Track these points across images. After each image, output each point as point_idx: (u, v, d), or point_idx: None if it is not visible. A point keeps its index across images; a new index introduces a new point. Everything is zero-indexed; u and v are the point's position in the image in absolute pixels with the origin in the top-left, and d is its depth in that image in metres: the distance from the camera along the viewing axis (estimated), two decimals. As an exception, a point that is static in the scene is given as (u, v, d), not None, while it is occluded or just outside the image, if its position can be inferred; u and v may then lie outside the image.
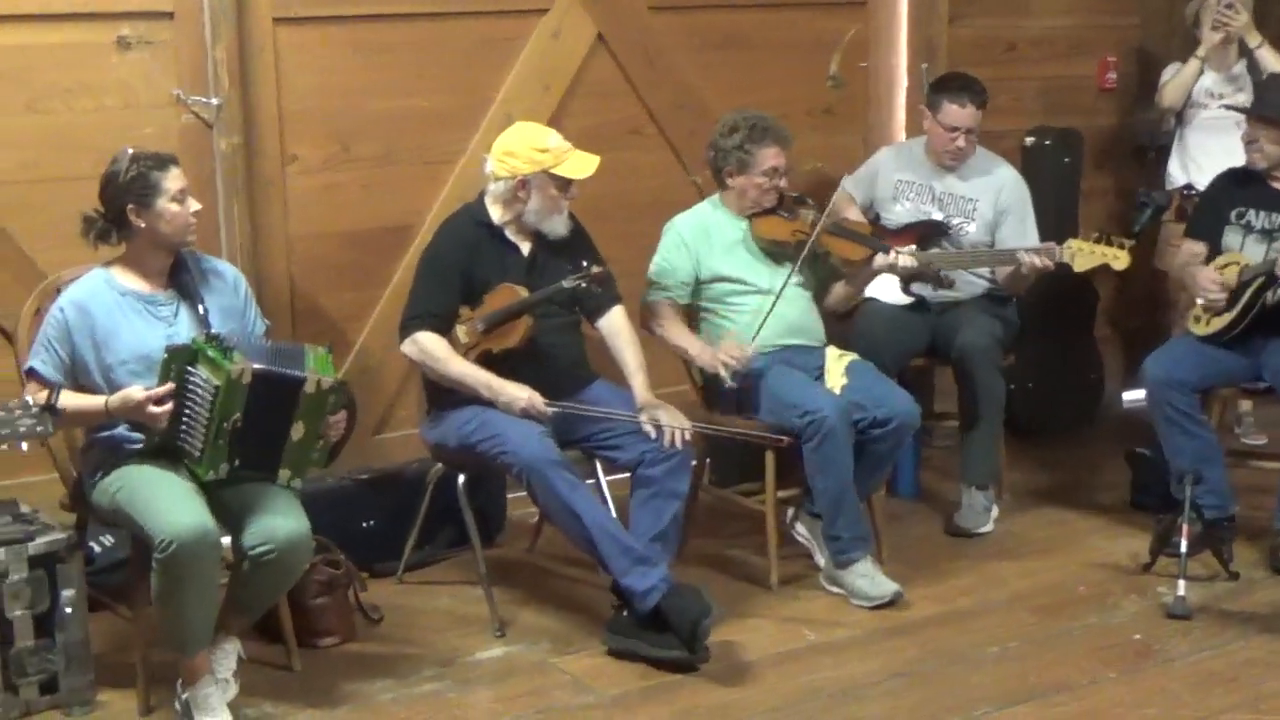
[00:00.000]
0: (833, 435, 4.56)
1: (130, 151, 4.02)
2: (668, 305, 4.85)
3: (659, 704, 4.08)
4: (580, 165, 4.48)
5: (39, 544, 4.00)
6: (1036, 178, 5.69)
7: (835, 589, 4.76)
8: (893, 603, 4.65)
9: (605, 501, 4.64)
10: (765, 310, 4.70)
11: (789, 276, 4.76)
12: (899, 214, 5.41)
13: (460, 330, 4.46)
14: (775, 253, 4.86)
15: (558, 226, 4.53)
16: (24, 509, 4.18)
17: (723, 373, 4.65)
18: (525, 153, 4.45)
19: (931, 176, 5.42)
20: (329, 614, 4.41)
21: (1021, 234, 5.33)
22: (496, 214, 4.54)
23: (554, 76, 5.39)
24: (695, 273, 4.86)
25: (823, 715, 4.03)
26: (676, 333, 4.84)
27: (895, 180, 5.44)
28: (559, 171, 4.45)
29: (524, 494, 4.81)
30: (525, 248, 4.56)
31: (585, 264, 4.49)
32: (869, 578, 4.68)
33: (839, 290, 5.02)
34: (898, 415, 4.68)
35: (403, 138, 5.15)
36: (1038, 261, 5.05)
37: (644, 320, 4.85)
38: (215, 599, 3.87)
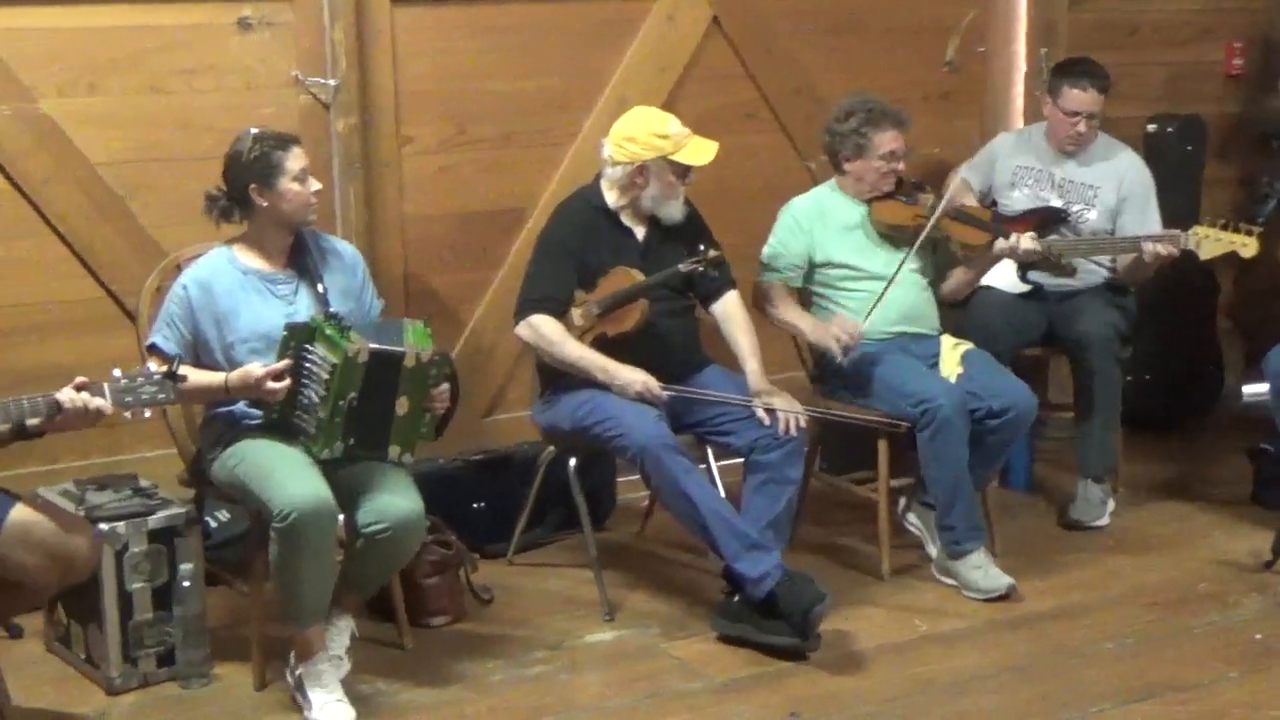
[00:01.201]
0: (948, 425, 4.51)
1: (253, 131, 4.06)
2: (780, 287, 4.81)
3: (769, 691, 4.05)
4: (699, 152, 4.45)
5: (158, 518, 4.06)
6: (1158, 166, 5.57)
7: (947, 580, 4.70)
8: (1006, 596, 4.59)
9: (717, 487, 4.61)
10: (878, 294, 4.65)
11: (904, 259, 4.71)
12: (1017, 200, 5.32)
13: (575, 314, 4.45)
14: (893, 237, 4.81)
15: (674, 212, 4.51)
16: (143, 483, 4.24)
17: (834, 348, 4.61)
18: (644, 138, 4.43)
19: (1051, 163, 5.33)
20: (441, 594, 4.44)
21: (1143, 222, 5.22)
22: (612, 198, 4.52)
23: (669, 60, 5.36)
24: (809, 255, 4.81)
25: (934, 707, 3.98)
26: (789, 312, 4.79)
27: (1014, 166, 5.36)
28: (678, 158, 4.43)
29: (634, 478, 4.83)
30: (640, 232, 4.54)
31: (701, 248, 4.46)
32: (982, 569, 4.62)
33: (957, 276, 4.95)
34: (1015, 406, 4.61)
35: (517, 120, 5.15)
36: (1161, 249, 4.95)
37: (756, 302, 4.82)
38: (331, 572, 3.89)
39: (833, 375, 4.74)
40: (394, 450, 3.98)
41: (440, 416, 4.08)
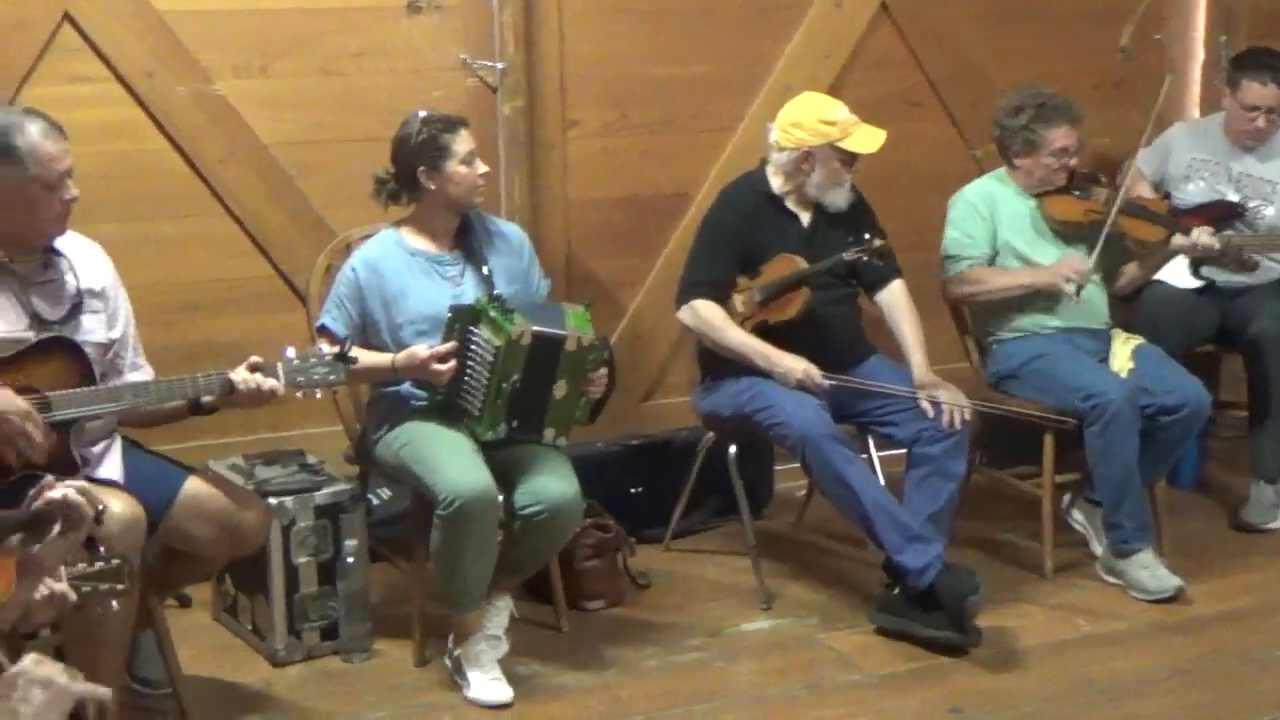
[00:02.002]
0: (1118, 420, 4.40)
1: (422, 114, 4.10)
2: (980, 268, 4.71)
3: (928, 686, 4.00)
4: (867, 140, 4.40)
5: (325, 494, 4.12)
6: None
7: (1113, 579, 4.59)
8: (1174, 598, 4.48)
9: (878, 477, 4.55)
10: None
11: (1093, 259, 4.59)
12: (1191, 193, 5.18)
13: (738, 300, 4.43)
14: (1065, 233, 4.70)
15: (839, 199, 4.46)
16: (310, 460, 4.30)
17: (1067, 288, 4.53)
18: (811, 124, 4.38)
19: (1228, 156, 5.17)
20: (598, 577, 4.45)
21: (1323, 218, 5.06)
22: (777, 184, 4.49)
23: (835, 46, 5.30)
24: (992, 242, 4.72)
25: (1096, 709, 3.90)
26: (1000, 277, 4.68)
27: (1189, 159, 5.21)
28: (845, 145, 4.38)
29: (790, 466, 4.79)
30: (805, 218, 4.50)
31: (867, 236, 4.40)
32: (1149, 570, 4.51)
33: (1130, 271, 4.83)
34: (1188, 403, 4.50)
35: (681, 104, 5.14)
36: (1346, 247, 4.79)
37: (951, 294, 4.75)
38: (492, 558, 3.92)
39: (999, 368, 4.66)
40: (549, 433, 3.99)
41: (596, 401, 4.08)
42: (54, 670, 2.03)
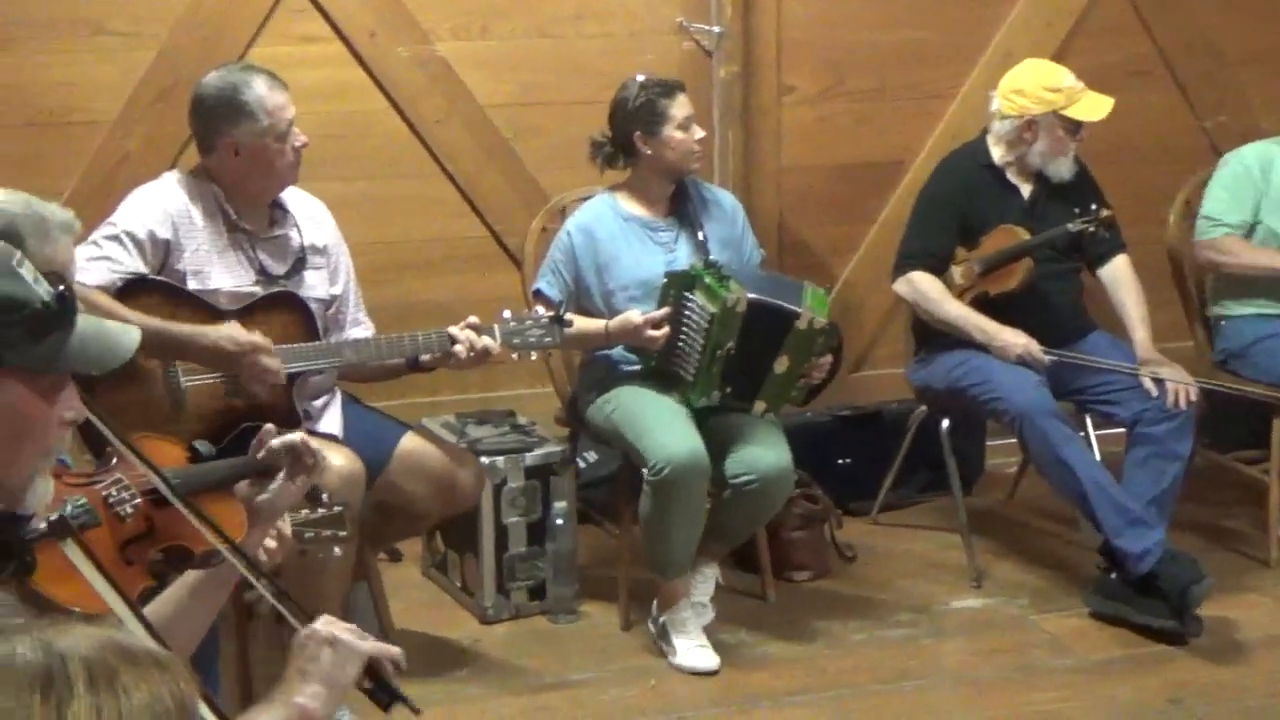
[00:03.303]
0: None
1: (639, 79, 4.08)
2: (1234, 239, 4.52)
3: (1145, 675, 3.88)
4: (1093, 107, 4.26)
5: (535, 455, 4.14)
6: None
7: (1343, 571, 4.41)
8: None
9: (1095, 457, 4.43)
10: None
11: None
12: None
13: (956, 271, 4.33)
14: None
15: (1062, 169, 4.33)
16: (521, 420, 4.33)
17: None
18: (1035, 92, 4.26)
19: None
20: (805, 548, 4.40)
21: None
22: (998, 154, 4.38)
23: (1058, 12, 5.13)
24: (1256, 210, 4.52)
25: (1328, 707, 3.75)
26: (1257, 255, 4.49)
27: None
28: (1070, 113, 4.25)
29: (1001, 442, 4.69)
30: (1026, 189, 4.38)
31: (1094, 207, 4.27)
32: (1383, 563, 4.32)
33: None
34: None
35: (898, 71, 5.03)
36: None
37: (1202, 260, 4.56)
38: (700, 524, 3.90)
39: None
40: (759, 405, 3.94)
41: (814, 386, 4.02)
42: (342, 630, 2.04)
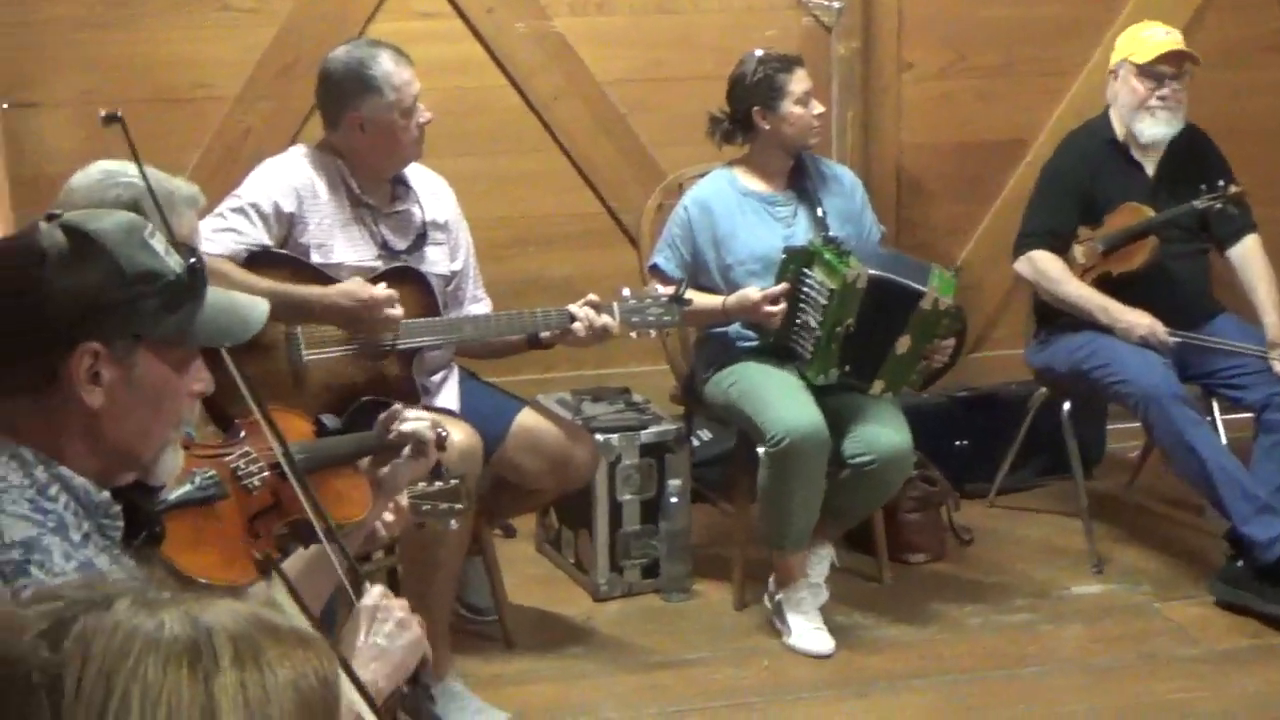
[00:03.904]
0: None
1: (758, 54, 4.05)
2: None
3: (1272, 666, 3.79)
4: (1154, 46, 4.18)
5: (650, 433, 4.13)
6: None
7: None
8: None
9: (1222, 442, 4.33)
10: None
11: None
12: None
13: (1078, 250, 4.25)
14: None
15: (1149, 129, 4.21)
16: (636, 398, 4.32)
17: None
18: (1121, 45, 4.22)
19: None
20: (922, 530, 4.35)
21: None
22: (1121, 130, 4.28)
23: (1189, -15, 5.03)
24: None
25: None
26: None
27: None
28: (1134, 59, 4.17)
29: (1122, 426, 4.61)
30: (1150, 167, 4.29)
31: (1221, 183, 4.17)
32: None
33: None
34: None
35: (1021, 47, 4.94)
36: None
37: None
38: (818, 499, 3.86)
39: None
40: (877, 385, 3.89)
41: (933, 371, 3.96)
42: (405, 611, 2.06)
